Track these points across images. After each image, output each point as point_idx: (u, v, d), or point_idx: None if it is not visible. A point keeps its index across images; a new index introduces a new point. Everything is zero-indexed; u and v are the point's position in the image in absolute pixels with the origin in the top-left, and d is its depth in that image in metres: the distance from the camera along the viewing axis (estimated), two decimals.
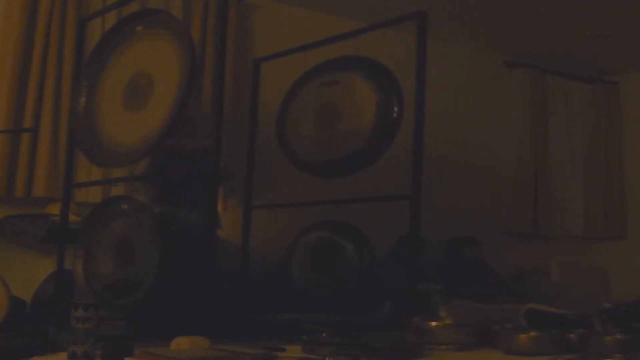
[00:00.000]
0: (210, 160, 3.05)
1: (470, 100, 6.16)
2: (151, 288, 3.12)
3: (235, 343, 2.47)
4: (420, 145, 3.75)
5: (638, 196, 6.69)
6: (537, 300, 3.34)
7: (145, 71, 3.32)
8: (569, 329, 2.65)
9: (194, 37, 4.59)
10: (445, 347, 2.58)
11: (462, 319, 2.68)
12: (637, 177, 6.70)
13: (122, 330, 3.09)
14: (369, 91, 4.06)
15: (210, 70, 4.66)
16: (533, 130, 6.38)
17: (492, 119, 6.35)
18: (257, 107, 4.67)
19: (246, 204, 4.56)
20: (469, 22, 5.61)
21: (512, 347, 2.55)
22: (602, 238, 6.72)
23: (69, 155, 3.77)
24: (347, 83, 4.20)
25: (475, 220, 5.93)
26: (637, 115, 6.75)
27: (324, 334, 2.56)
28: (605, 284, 6.52)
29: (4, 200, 4.18)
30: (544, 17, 5.44)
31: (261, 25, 5.19)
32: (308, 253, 4.42)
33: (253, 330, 3.30)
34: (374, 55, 4.13)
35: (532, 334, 2.57)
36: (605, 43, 5.94)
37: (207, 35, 4.80)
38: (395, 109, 3.92)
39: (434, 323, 2.64)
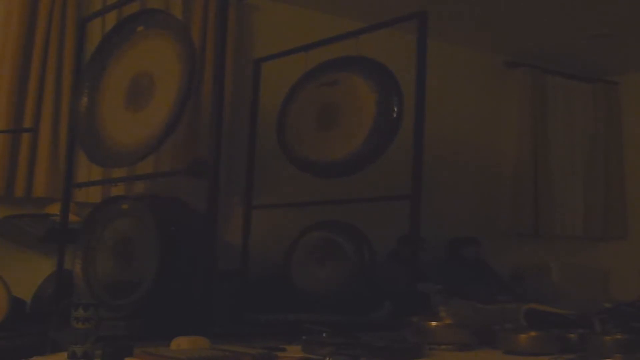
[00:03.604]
0: None
1: (470, 100, 6.16)
2: (151, 288, 3.12)
3: (235, 343, 2.47)
4: (421, 145, 3.75)
5: (638, 196, 6.68)
6: (537, 300, 3.34)
7: (146, 71, 3.32)
8: (569, 329, 2.65)
9: (194, 37, 4.59)
10: (445, 347, 2.58)
11: (462, 319, 2.68)
12: (637, 177, 6.70)
13: (122, 330, 3.09)
14: (368, 91, 4.05)
15: (210, 70, 4.65)
16: (533, 130, 6.38)
17: (492, 119, 6.35)
18: (257, 107, 4.68)
19: (246, 204, 4.56)
20: (469, 22, 5.61)
21: (512, 347, 2.55)
22: (602, 238, 6.72)
23: (69, 155, 3.78)
24: (347, 83, 4.20)
25: (475, 220, 5.93)
26: (637, 115, 6.75)
27: (324, 334, 2.55)
28: (605, 284, 6.52)
29: (4, 200, 4.18)
30: (544, 17, 5.44)
31: (261, 25, 5.18)
32: (308, 253, 4.42)
33: (253, 330, 3.30)
34: (374, 55, 4.13)
35: (532, 334, 2.57)
36: (605, 43, 5.94)
37: (207, 35, 4.79)
38: (395, 109, 3.92)
39: (434, 323, 2.63)
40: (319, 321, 2.85)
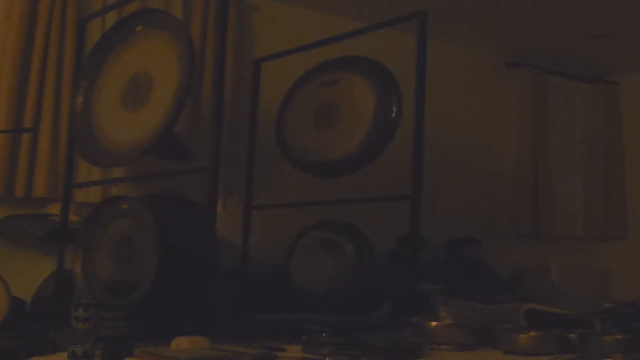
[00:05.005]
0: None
1: (470, 100, 6.16)
2: (151, 288, 3.12)
3: (235, 343, 2.47)
4: (421, 145, 3.75)
5: (638, 196, 6.68)
6: (537, 300, 3.34)
7: (144, 71, 3.32)
8: (569, 329, 2.65)
9: (194, 37, 4.59)
10: (445, 347, 2.58)
11: (462, 319, 2.68)
12: (637, 177, 6.70)
13: (122, 330, 3.09)
14: (368, 91, 4.05)
15: (210, 70, 4.65)
16: (533, 130, 6.38)
17: (492, 119, 6.35)
18: (257, 107, 4.68)
19: (246, 204, 4.56)
20: (469, 22, 5.61)
21: (512, 347, 2.55)
22: (602, 238, 6.72)
23: (69, 155, 3.78)
24: (347, 83, 4.20)
25: (475, 220, 5.92)
26: (637, 115, 6.75)
27: (324, 334, 2.56)
28: (606, 284, 6.52)
29: (4, 200, 4.18)
30: (544, 17, 5.44)
31: (261, 25, 5.18)
32: (308, 253, 4.42)
33: (253, 330, 3.30)
34: (374, 55, 4.13)
35: (532, 334, 2.57)
36: (605, 43, 5.93)
37: (207, 35, 4.79)
38: (394, 109, 3.92)
39: (434, 323, 2.63)
40: (319, 321, 2.85)
